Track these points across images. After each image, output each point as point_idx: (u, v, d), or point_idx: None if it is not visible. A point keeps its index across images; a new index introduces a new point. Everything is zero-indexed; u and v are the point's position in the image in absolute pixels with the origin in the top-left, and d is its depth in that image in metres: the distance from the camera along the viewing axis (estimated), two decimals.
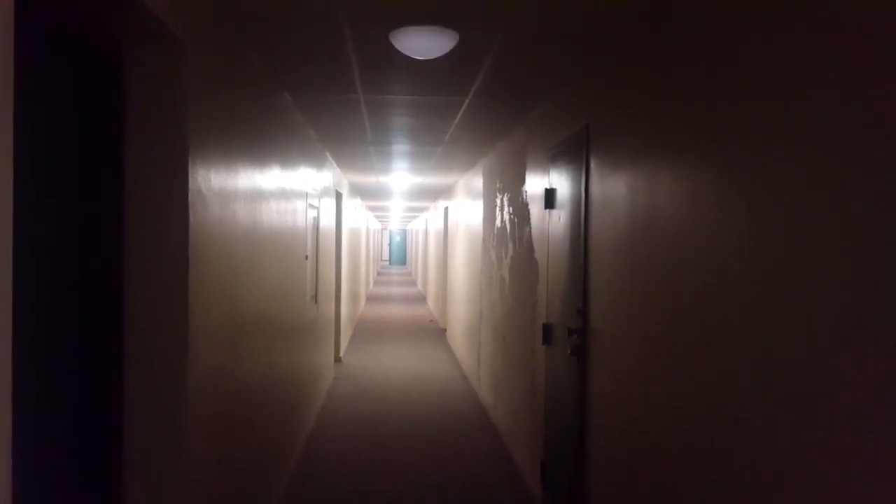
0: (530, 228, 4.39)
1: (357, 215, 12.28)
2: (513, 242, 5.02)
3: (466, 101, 4.00)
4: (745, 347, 1.73)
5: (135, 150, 2.07)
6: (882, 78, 1.27)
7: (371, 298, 17.64)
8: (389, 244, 40.32)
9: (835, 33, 1.42)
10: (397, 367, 8.22)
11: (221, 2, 2.39)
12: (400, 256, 39.77)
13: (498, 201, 5.72)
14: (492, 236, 6.05)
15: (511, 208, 5.10)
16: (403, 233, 39.11)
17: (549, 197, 3.82)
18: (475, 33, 2.68)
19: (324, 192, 6.05)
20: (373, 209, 17.14)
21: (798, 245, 1.52)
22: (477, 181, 7.08)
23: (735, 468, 1.77)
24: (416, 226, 23.25)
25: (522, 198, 4.67)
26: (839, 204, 1.38)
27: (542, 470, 3.85)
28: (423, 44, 2.65)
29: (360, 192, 11.41)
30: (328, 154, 6.42)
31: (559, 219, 3.64)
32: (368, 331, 11.46)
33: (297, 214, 4.43)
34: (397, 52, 2.87)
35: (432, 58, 2.84)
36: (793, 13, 1.56)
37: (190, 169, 2.12)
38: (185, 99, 2.10)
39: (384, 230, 37.96)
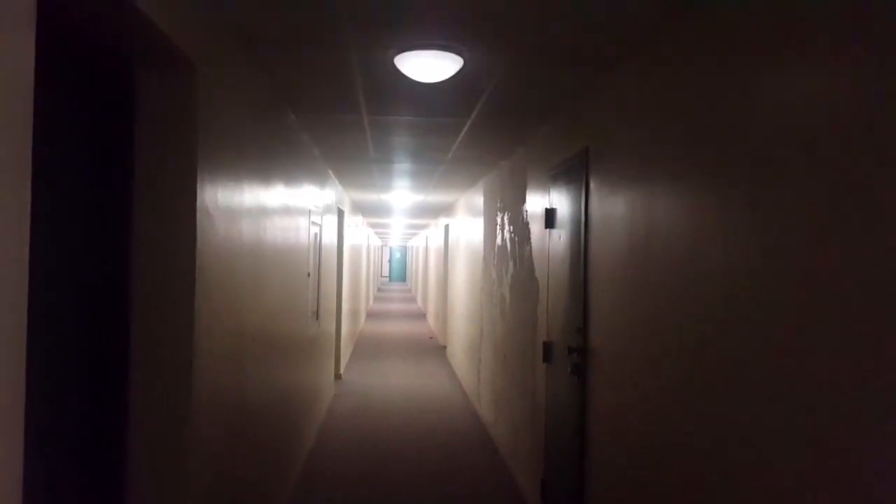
0: (531, 247, 4.43)
1: (358, 232, 12.32)
2: (513, 261, 5.06)
3: (469, 122, 4.05)
4: (748, 364, 1.76)
5: (145, 170, 2.11)
6: (879, 92, 1.31)
7: (371, 315, 17.64)
8: (389, 260, 40.33)
9: (833, 52, 1.46)
10: (397, 384, 8.22)
11: (231, 24, 2.45)
12: (400, 273, 39.76)
13: (499, 220, 5.76)
14: (492, 254, 6.09)
15: (512, 227, 5.14)
16: (404, 249, 39.14)
17: (550, 216, 3.86)
18: (479, 57, 2.74)
19: (326, 210, 6.09)
20: (374, 226, 17.19)
21: (799, 261, 1.55)
22: (478, 199, 7.13)
23: (739, 486, 1.79)
24: (417, 242, 23.29)
25: (523, 217, 4.71)
26: (841, 221, 1.42)
27: (543, 488, 3.85)
28: (427, 67, 2.71)
29: (361, 209, 11.47)
30: (331, 172, 6.48)
31: (559, 238, 3.68)
32: (368, 347, 11.46)
33: (299, 232, 4.47)
34: (402, 74, 2.92)
35: (436, 81, 2.89)
36: (791, 35, 1.61)
37: (198, 189, 2.16)
38: (194, 119, 2.15)
39: (384, 247, 37.99)
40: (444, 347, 11.20)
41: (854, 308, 1.35)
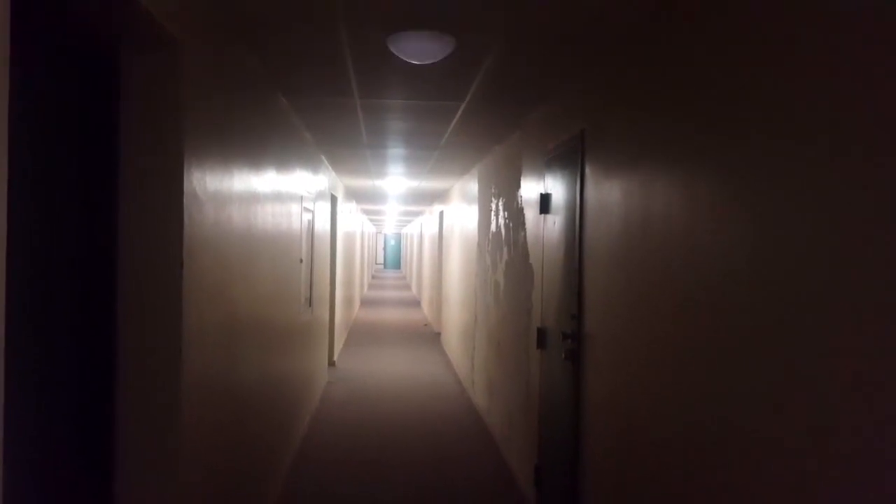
0: (525, 233, 4.40)
1: (352, 219, 12.27)
2: (508, 247, 5.03)
3: (463, 106, 4.00)
4: (742, 352, 1.73)
5: (130, 153, 2.07)
6: (882, 80, 1.28)
7: (365, 302, 17.62)
8: (384, 248, 40.30)
9: (834, 37, 1.43)
10: (391, 371, 8.21)
11: (219, 4, 2.39)
12: (395, 260, 39.74)
13: (493, 206, 5.73)
14: (487, 241, 6.06)
15: (506, 213, 5.11)
16: (398, 236, 39.10)
17: (545, 202, 3.83)
18: (472, 38, 2.69)
19: (319, 196, 6.04)
20: (368, 213, 17.13)
21: (795, 248, 1.52)
22: (472, 186, 7.09)
23: (732, 472, 1.77)
24: (411, 230, 23.24)
25: (518, 202, 4.68)
26: (838, 207, 1.39)
27: (537, 474, 3.85)
28: (419, 48, 2.66)
29: (355, 195, 11.41)
30: (324, 157, 6.42)
31: (554, 224, 3.64)
32: (363, 334, 11.44)
33: (291, 218, 4.42)
34: (394, 56, 2.87)
35: (429, 62, 2.84)
36: (791, 18, 1.57)
37: (185, 172, 2.11)
38: (181, 101, 2.10)
39: (379, 234, 37.94)
40: (439, 334, 11.20)
41: (850, 295, 1.32)
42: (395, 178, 8.27)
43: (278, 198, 3.88)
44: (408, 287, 24.14)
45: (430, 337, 11.36)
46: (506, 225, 5.12)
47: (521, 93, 3.64)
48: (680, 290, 2.10)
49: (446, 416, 6.09)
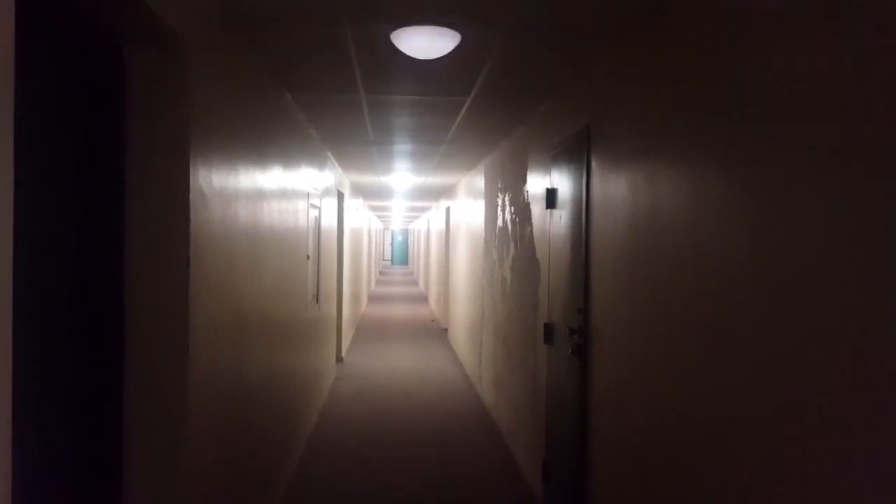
0: (531, 228, 4.39)
1: (359, 215, 12.28)
2: (514, 242, 5.02)
3: (468, 101, 3.99)
4: (748, 348, 1.72)
5: (136, 151, 2.07)
6: (885, 75, 1.27)
7: (373, 298, 17.64)
8: (391, 244, 40.33)
9: (838, 29, 1.41)
10: (399, 366, 8.22)
11: (224, 1, 2.39)
12: (402, 256, 39.77)
13: (499, 201, 5.72)
14: (493, 236, 6.05)
15: (512, 208, 5.10)
16: (405, 232, 39.12)
17: (551, 196, 3.82)
18: (476, 33, 2.68)
19: (325, 192, 6.05)
20: (374, 209, 17.14)
21: (800, 244, 1.51)
22: (478, 181, 7.08)
23: (736, 467, 1.76)
24: (418, 226, 23.25)
25: (524, 197, 4.67)
26: (842, 204, 1.38)
27: (544, 469, 3.85)
28: (424, 44, 2.65)
29: (361, 191, 11.42)
30: (330, 154, 6.42)
31: (560, 218, 3.63)
32: (370, 330, 11.46)
33: (298, 214, 4.43)
34: (399, 52, 2.87)
35: (434, 58, 2.84)
36: (795, 9, 1.56)
37: (191, 169, 2.12)
38: (186, 99, 2.10)
39: (386, 230, 37.96)
40: (446, 330, 11.20)
41: (857, 291, 1.31)
42: (402, 174, 8.27)
43: (284, 194, 3.89)
44: (415, 283, 24.16)
45: (437, 332, 11.36)
46: (512, 220, 5.11)
47: (525, 87, 3.63)
48: (687, 284, 2.09)
49: (454, 411, 6.10)
